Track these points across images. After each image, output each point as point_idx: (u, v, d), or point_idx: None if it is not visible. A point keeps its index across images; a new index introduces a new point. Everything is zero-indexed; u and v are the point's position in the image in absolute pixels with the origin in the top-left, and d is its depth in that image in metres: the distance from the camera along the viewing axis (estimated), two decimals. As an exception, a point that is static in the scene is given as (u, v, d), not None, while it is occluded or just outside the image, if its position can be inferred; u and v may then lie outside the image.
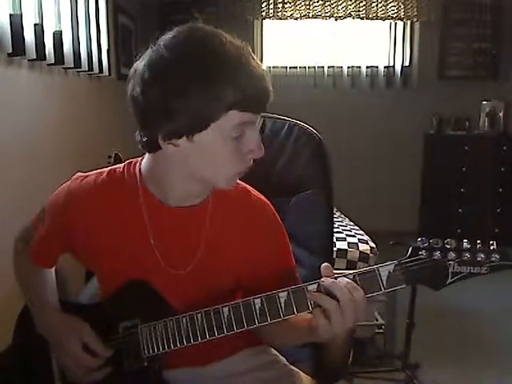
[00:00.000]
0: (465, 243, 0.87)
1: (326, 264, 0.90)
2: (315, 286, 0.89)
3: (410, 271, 0.87)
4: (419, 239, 0.88)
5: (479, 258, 0.85)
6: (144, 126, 0.92)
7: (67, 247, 1.08)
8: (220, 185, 0.97)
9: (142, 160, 1.03)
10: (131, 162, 1.05)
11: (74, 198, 1.03)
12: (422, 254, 0.87)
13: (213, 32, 0.87)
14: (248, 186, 1.08)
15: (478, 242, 0.87)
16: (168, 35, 0.88)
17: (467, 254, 0.86)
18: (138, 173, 1.02)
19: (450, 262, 0.86)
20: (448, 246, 0.87)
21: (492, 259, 0.85)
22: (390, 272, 0.88)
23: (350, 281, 0.87)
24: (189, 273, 1.01)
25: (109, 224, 1.02)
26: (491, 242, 0.86)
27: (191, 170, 0.94)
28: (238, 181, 1.03)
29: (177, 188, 0.99)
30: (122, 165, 1.06)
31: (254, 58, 0.88)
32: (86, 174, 1.07)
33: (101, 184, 1.03)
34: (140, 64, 0.88)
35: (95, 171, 1.06)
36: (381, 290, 0.88)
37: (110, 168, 1.06)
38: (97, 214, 1.02)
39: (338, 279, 0.87)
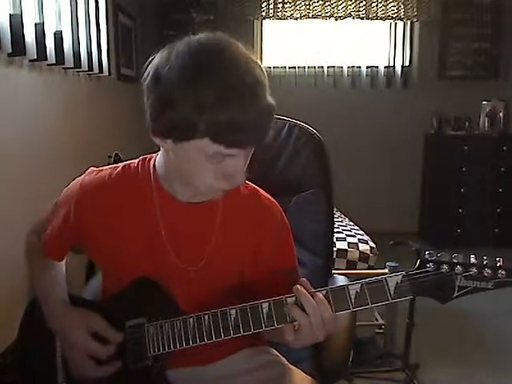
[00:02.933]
0: (472, 258, 0.88)
1: (303, 279, 0.92)
2: (323, 292, 0.91)
3: (417, 283, 0.89)
4: (427, 252, 0.90)
5: (486, 274, 0.87)
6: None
7: (78, 240, 1.08)
8: (203, 191, 0.98)
9: (156, 156, 1.04)
10: (146, 158, 1.06)
11: (87, 191, 1.03)
12: (429, 267, 0.89)
13: (222, 47, 0.85)
14: (257, 187, 1.09)
15: (485, 257, 0.88)
16: (183, 42, 0.87)
17: (474, 269, 0.87)
18: (151, 168, 1.03)
19: (457, 276, 0.87)
20: (455, 260, 0.88)
21: (498, 275, 0.86)
22: (397, 282, 0.89)
23: (323, 298, 0.89)
24: (197, 268, 1.02)
25: (122, 218, 1.02)
26: (498, 259, 0.87)
27: (177, 169, 0.95)
28: (247, 181, 1.04)
29: (184, 185, 0.99)
30: (136, 160, 1.07)
31: (264, 86, 0.85)
32: (100, 168, 1.08)
33: (115, 178, 1.04)
34: (153, 63, 0.89)
35: (109, 166, 1.08)
36: (388, 300, 0.89)
37: (124, 163, 1.07)
38: (110, 208, 1.02)
39: (315, 293, 0.90)
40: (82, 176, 1.07)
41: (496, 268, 0.86)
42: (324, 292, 0.90)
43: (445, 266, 0.88)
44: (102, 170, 1.06)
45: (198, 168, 0.90)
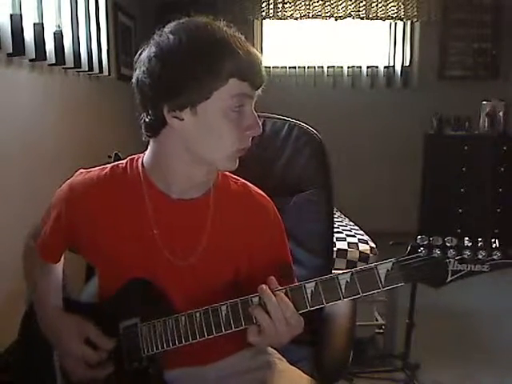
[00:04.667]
0: (466, 241, 0.86)
1: (271, 277, 0.92)
2: (313, 284, 0.90)
3: (408, 269, 0.87)
4: (419, 237, 0.88)
5: (480, 256, 0.85)
6: (150, 103, 0.94)
7: (71, 241, 1.09)
8: (221, 164, 0.98)
9: (143, 155, 1.05)
10: (133, 158, 1.07)
11: (76, 192, 1.04)
12: (421, 252, 0.87)
13: (211, 20, 0.96)
14: (247, 182, 1.10)
15: (480, 239, 0.86)
16: (170, 24, 0.95)
17: (468, 252, 0.85)
18: (140, 166, 1.03)
19: (450, 260, 0.86)
20: (448, 244, 0.87)
21: (493, 257, 0.84)
22: (388, 270, 0.87)
23: (283, 296, 0.89)
24: (191, 264, 1.02)
25: (113, 218, 1.02)
26: (492, 240, 0.85)
27: (193, 148, 0.95)
28: (238, 177, 1.04)
29: (179, 175, 0.99)
30: (124, 161, 1.07)
31: (248, 44, 0.95)
32: (89, 170, 1.08)
33: (103, 179, 1.04)
34: (144, 54, 0.93)
35: (97, 167, 1.08)
36: (379, 288, 0.88)
37: (112, 164, 1.07)
38: (100, 208, 1.02)
39: (277, 292, 0.90)
40: (72, 178, 1.08)
41: (491, 250, 0.84)
42: (284, 291, 0.90)
43: (437, 251, 0.86)
44: (90, 171, 1.07)
45: (219, 127, 0.92)
